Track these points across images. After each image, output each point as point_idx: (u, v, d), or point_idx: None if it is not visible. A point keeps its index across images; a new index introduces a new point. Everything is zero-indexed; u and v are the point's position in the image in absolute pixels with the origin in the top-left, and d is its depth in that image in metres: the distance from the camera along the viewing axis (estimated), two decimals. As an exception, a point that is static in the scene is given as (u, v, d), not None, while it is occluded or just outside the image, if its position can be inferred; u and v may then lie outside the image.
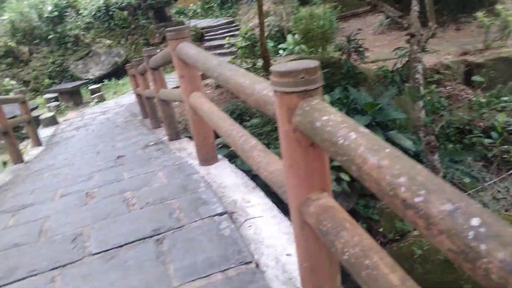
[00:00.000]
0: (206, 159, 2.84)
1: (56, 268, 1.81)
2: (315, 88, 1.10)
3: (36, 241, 2.12)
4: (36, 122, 8.32)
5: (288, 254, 1.70)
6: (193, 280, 1.60)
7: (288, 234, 1.83)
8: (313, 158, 1.18)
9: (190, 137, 4.25)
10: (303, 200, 1.22)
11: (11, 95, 8.04)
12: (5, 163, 6.60)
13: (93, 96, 11.35)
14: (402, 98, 6.86)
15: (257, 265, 1.65)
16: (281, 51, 10.96)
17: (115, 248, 1.89)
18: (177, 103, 5.34)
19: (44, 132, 8.18)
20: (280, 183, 1.41)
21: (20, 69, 13.72)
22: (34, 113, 9.47)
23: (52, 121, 9.21)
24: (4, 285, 1.75)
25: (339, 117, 1.01)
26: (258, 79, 1.48)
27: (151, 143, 4.34)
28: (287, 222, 1.93)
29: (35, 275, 1.79)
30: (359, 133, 0.93)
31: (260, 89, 1.38)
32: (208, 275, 1.62)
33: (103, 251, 1.88)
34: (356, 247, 1.02)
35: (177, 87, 3.14)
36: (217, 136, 2.86)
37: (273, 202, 2.14)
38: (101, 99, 11.18)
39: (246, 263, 1.66)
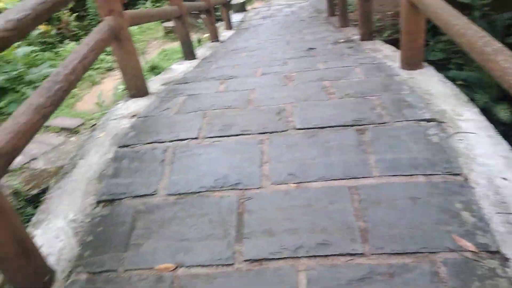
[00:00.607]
0: (410, 63, 2.65)
1: (264, 133, 2.02)
2: None
3: (245, 107, 2.37)
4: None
5: (504, 178, 1.54)
6: (394, 175, 1.60)
7: (507, 158, 1.64)
8: None
9: (384, 40, 4.01)
10: None
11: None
12: (199, 41, 7.39)
13: (279, -13, 11.43)
14: None
15: (466, 180, 1.55)
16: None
17: (317, 128, 1.99)
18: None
19: (234, 18, 8.75)
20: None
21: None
22: (226, -2, 10.05)
23: (241, 8, 9.74)
24: (224, 136, 2.04)
25: None
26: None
27: (340, 40, 4.25)
28: (507, 146, 1.72)
29: (248, 134, 2.03)
30: None
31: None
32: (410, 175, 1.59)
33: (306, 128, 2.00)
34: None
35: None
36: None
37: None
38: (287, -9, 11.20)
39: (454, 175, 1.57)
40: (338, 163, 1.72)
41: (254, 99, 2.46)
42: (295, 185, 1.65)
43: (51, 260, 1.48)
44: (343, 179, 1.63)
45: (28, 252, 1.37)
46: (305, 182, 1.65)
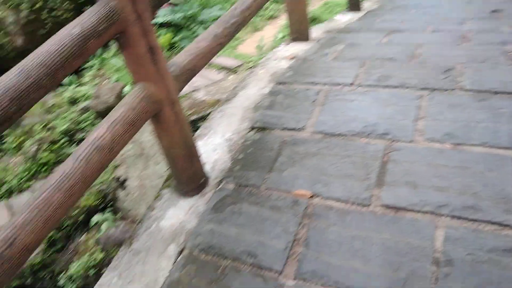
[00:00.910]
0: None
1: (425, 89, 1.90)
2: None
3: (408, 61, 2.24)
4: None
5: None
6: None
7: None
8: None
9: None
10: None
11: None
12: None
13: None
14: None
15: None
16: None
17: (489, 92, 1.78)
18: None
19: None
20: None
21: None
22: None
23: (419, -36, 8.85)
24: (380, 86, 1.99)
25: None
26: None
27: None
28: None
29: (405, 88, 1.94)
30: None
31: None
32: None
33: (476, 91, 1.81)
34: None
35: None
36: None
37: None
38: None
39: None
40: (508, 131, 1.53)
41: (419, 54, 2.29)
42: (451, 145, 1.54)
43: (206, 168, 1.70)
44: (510, 148, 1.46)
45: (192, 156, 1.60)
46: (464, 144, 1.53)
